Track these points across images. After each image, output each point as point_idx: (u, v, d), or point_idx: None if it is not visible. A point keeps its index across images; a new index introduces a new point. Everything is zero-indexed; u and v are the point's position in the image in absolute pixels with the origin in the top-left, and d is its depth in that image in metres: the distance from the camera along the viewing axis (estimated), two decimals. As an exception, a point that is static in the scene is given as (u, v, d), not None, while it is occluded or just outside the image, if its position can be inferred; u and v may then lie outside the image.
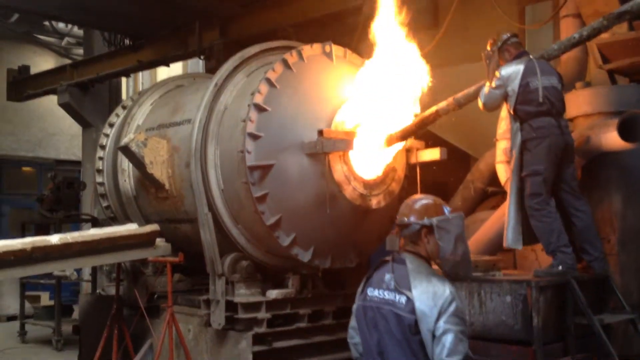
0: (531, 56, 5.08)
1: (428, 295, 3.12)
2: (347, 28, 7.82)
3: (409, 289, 3.16)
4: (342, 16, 8.09)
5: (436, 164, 6.45)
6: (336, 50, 6.40)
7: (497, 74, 5.03)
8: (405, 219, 3.36)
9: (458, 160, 7.86)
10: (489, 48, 5.27)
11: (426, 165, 6.47)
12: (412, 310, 3.11)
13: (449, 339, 3.04)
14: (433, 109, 5.39)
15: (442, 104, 5.33)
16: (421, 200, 3.40)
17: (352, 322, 3.56)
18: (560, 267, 4.78)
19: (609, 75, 5.92)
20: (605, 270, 5.07)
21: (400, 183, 6.41)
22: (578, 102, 5.90)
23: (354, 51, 6.59)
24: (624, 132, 5.20)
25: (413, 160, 6.35)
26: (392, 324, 3.18)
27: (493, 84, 5.03)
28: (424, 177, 6.56)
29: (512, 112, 5.02)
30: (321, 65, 6.28)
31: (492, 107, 5.15)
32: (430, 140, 6.63)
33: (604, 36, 5.78)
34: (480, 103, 5.14)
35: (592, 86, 5.94)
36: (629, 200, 5.63)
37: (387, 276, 3.30)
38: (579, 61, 6.55)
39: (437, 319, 3.07)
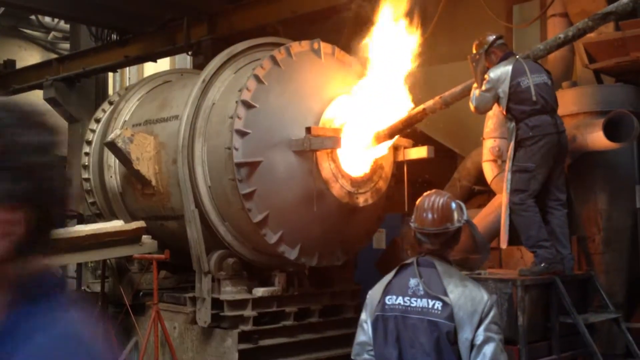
0: (517, 56, 5.08)
1: (466, 301, 2.85)
2: (336, 25, 7.81)
3: (444, 294, 2.87)
4: (331, 13, 8.07)
5: (423, 162, 6.45)
6: (324, 47, 6.38)
7: (486, 76, 5.01)
8: (448, 225, 3.03)
9: (445, 159, 7.88)
10: (474, 51, 5.23)
11: (413, 163, 6.47)
12: (451, 317, 2.83)
13: (490, 348, 2.80)
14: (420, 107, 5.40)
15: (429, 103, 5.34)
16: (438, 199, 3.09)
17: (360, 337, 3.11)
18: (542, 265, 4.79)
19: (595, 75, 5.95)
20: (572, 269, 5.08)
21: (388, 181, 6.41)
22: (564, 102, 5.92)
23: (343, 48, 6.58)
24: (609, 132, 5.23)
25: (400, 158, 6.35)
26: (421, 333, 2.86)
27: (483, 87, 5.01)
28: (411, 175, 6.56)
29: (504, 112, 5.00)
30: (309, 63, 6.26)
31: (484, 110, 5.15)
32: (418, 139, 6.63)
33: (591, 36, 5.81)
34: (471, 106, 5.13)
35: (579, 86, 5.97)
36: (614, 199, 5.68)
37: (413, 281, 2.97)
38: (565, 60, 6.58)
39: (477, 327, 2.82)
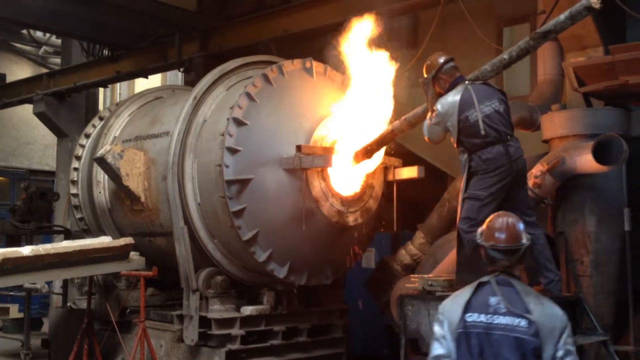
0: (467, 81, 4.90)
1: (547, 317, 3.13)
2: (328, 44, 7.86)
3: (527, 312, 3.12)
4: (323, 32, 8.13)
5: (413, 182, 6.47)
6: (316, 66, 6.41)
7: (435, 108, 4.91)
8: (522, 242, 3.33)
9: (435, 179, 7.91)
10: (425, 74, 5.08)
11: (403, 183, 6.49)
12: (536, 333, 3.07)
13: None
14: (389, 128, 5.42)
15: (396, 124, 5.36)
16: (509, 219, 3.37)
17: (438, 350, 3.31)
18: None
19: (584, 98, 6.00)
20: (561, 291, 5.05)
21: (378, 200, 6.42)
22: (553, 124, 5.98)
23: (334, 67, 6.61)
24: (598, 155, 5.26)
25: (391, 177, 6.37)
26: (505, 349, 3.08)
27: (433, 120, 4.91)
28: (401, 194, 6.58)
29: (456, 145, 4.91)
30: (301, 81, 6.29)
31: (437, 141, 5.04)
32: (408, 159, 6.66)
33: (580, 59, 5.88)
34: (425, 137, 5.08)
35: (568, 109, 6.02)
36: (602, 222, 5.70)
37: (493, 299, 3.20)
38: (555, 84, 6.65)
39: (557, 341, 3.09)
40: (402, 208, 6.85)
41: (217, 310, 6.06)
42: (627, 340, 5.64)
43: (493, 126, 4.76)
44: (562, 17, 4.41)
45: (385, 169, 6.35)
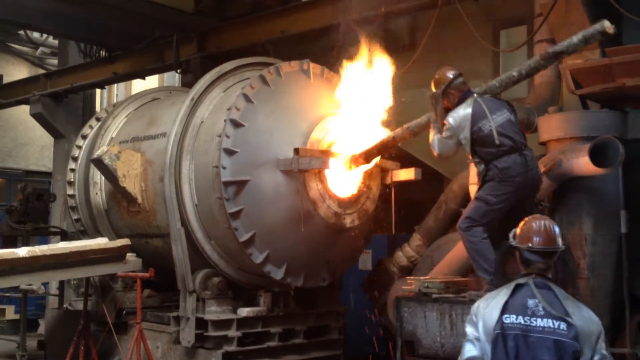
0: (475, 94, 4.95)
1: (585, 322, 3.17)
2: (325, 46, 7.86)
3: (567, 315, 3.14)
4: (321, 34, 8.13)
5: (410, 184, 6.47)
6: (314, 67, 6.42)
7: (446, 122, 4.92)
8: (558, 245, 3.34)
9: (432, 181, 7.90)
10: (433, 89, 5.10)
11: (401, 185, 6.49)
12: (576, 337, 3.10)
13: None
14: (391, 134, 5.43)
15: (398, 131, 5.39)
16: (545, 222, 3.38)
17: (471, 352, 3.32)
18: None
19: (581, 101, 6.01)
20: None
21: (375, 202, 6.42)
22: (550, 126, 5.98)
23: (332, 69, 6.62)
24: (595, 158, 5.27)
25: (388, 180, 6.37)
26: (544, 352, 3.10)
27: (444, 134, 4.92)
28: (398, 196, 6.58)
29: (470, 156, 4.92)
30: (299, 83, 6.29)
31: (448, 155, 5.05)
32: (405, 161, 6.66)
33: (577, 62, 5.88)
34: (434, 152, 5.07)
35: (565, 111, 6.02)
36: (599, 225, 5.70)
37: (531, 302, 3.21)
38: (552, 86, 6.65)
39: (595, 346, 3.15)
40: (398, 210, 6.86)
41: (214, 311, 6.05)
42: (624, 343, 5.64)
43: (507, 135, 4.80)
44: (575, 39, 4.47)
45: (383, 171, 6.35)
